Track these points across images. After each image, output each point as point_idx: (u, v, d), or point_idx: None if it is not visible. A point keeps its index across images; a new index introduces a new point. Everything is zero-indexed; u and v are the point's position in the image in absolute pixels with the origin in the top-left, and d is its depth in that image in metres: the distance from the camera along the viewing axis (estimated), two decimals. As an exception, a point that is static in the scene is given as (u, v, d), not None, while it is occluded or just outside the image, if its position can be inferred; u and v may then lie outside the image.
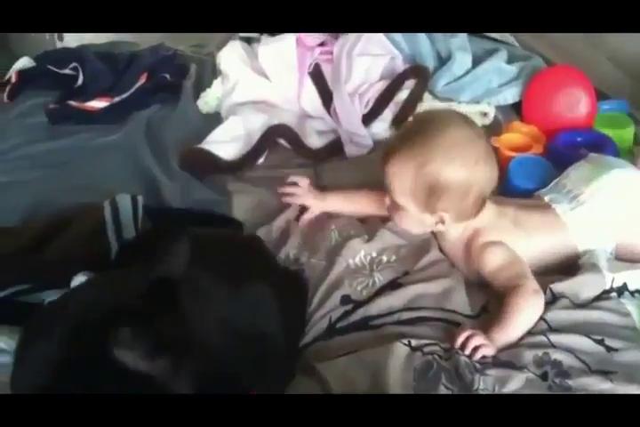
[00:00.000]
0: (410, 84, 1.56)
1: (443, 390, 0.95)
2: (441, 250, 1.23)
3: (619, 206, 1.23)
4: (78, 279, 1.08)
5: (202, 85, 1.73)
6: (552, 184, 1.31)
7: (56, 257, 1.13)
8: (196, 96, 1.70)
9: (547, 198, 1.26)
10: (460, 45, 1.64)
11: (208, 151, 1.47)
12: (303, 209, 1.30)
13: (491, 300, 1.14)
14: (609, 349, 1.02)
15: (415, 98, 1.54)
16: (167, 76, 1.76)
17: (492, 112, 1.61)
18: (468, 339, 1.02)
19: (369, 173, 1.39)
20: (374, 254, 1.21)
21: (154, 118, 1.65)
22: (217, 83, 1.66)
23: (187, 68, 1.81)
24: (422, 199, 1.13)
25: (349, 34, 1.62)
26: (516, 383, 0.96)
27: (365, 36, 1.61)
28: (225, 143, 1.49)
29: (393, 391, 0.95)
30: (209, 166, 1.47)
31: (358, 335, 1.08)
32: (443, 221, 1.16)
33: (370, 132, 1.55)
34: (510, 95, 1.61)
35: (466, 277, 1.19)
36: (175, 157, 1.49)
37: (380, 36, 1.63)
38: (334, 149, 1.53)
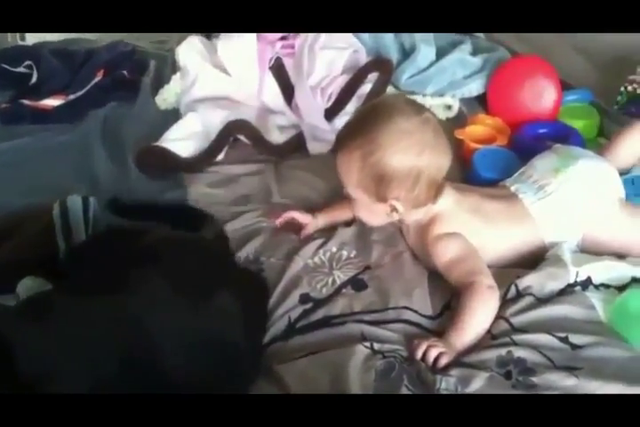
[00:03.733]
0: (373, 77, 1.52)
1: (404, 392, 0.92)
2: (406, 242, 1.21)
3: (585, 197, 1.21)
4: (24, 283, 1.04)
5: (161, 82, 1.68)
6: (517, 174, 1.28)
7: (3, 260, 1.08)
8: (155, 93, 1.66)
9: (512, 188, 1.24)
10: (423, 37, 1.62)
11: (165, 149, 1.43)
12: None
13: (454, 295, 1.11)
14: (573, 346, 0.99)
15: (378, 91, 1.51)
16: (125, 72, 1.72)
17: (456, 105, 1.59)
18: (427, 350, 0.99)
19: (331, 169, 1.36)
20: (334, 250, 1.19)
21: (111, 116, 1.60)
22: (176, 78, 1.62)
23: (146, 65, 1.77)
24: (372, 189, 1.10)
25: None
26: (478, 382, 0.93)
27: (328, 29, 1.57)
28: (182, 140, 1.45)
29: (353, 392, 0.92)
30: (166, 165, 1.43)
31: (318, 335, 1.05)
32: (396, 210, 1.13)
33: (333, 126, 1.51)
34: (475, 87, 1.59)
35: (429, 268, 1.16)
36: (132, 157, 1.45)
37: (343, 29, 1.59)
38: (296, 144, 1.49)
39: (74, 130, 1.56)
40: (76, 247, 1.06)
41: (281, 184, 1.38)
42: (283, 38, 1.61)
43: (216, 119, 1.47)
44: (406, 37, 1.63)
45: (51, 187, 1.35)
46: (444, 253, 1.12)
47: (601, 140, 1.48)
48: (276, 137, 1.49)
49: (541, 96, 1.50)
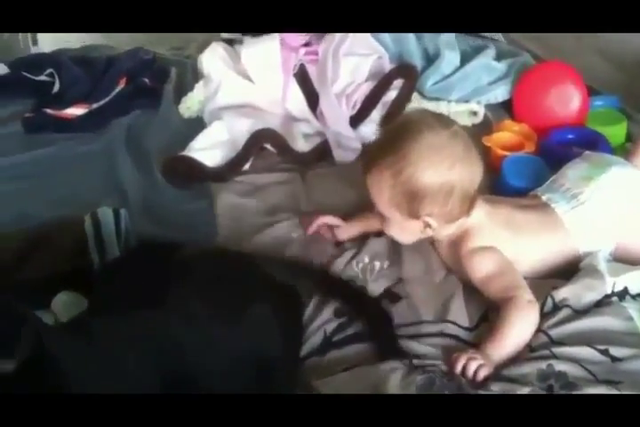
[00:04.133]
0: (398, 83, 1.51)
1: (446, 408, 0.91)
2: (438, 254, 1.20)
3: (619, 206, 1.20)
4: (59, 298, 1.04)
5: (183, 89, 1.68)
6: (548, 183, 1.27)
7: (36, 275, 1.08)
8: (178, 101, 1.65)
9: (544, 198, 1.23)
10: (447, 43, 1.60)
11: (191, 158, 1.42)
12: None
13: (490, 307, 1.11)
14: (614, 359, 0.98)
15: (403, 98, 1.50)
16: (147, 80, 1.71)
17: (481, 111, 1.57)
18: (466, 363, 0.99)
19: (357, 177, 1.35)
20: (366, 260, 1.18)
21: (134, 125, 1.60)
22: (199, 86, 1.61)
23: (167, 72, 1.76)
24: (404, 207, 1.10)
25: (335, 33, 1.58)
26: (520, 398, 0.93)
27: (351, 35, 1.56)
28: (209, 150, 1.45)
29: (394, 409, 0.91)
30: (193, 175, 1.42)
31: (355, 349, 1.05)
32: (429, 226, 1.12)
33: (358, 134, 1.50)
34: (500, 93, 1.57)
35: (463, 281, 1.16)
36: (157, 166, 1.44)
37: (367, 35, 1.58)
38: (322, 152, 1.48)
39: (98, 139, 1.56)
40: (110, 263, 1.06)
41: (309, 193, 1.38)
42: (306, 45, 1.60)
43: (242, 128, 1.46)
44: (429, 43, 1.62)
45: (78, 198, 1.36)
46: (480, 269, 1.11)
47: (628, 146, 1.46)
48: (302, 145, 1.49)
49: (568, 102, 1.49)
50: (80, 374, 0.73)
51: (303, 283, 1.09)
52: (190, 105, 1.62)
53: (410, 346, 1.04)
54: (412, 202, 1.09)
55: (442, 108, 1.56)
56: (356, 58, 1.54)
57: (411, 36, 1.61)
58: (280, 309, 1.00)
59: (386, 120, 1.51)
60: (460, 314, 1.10)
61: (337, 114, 1.50)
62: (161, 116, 1.61)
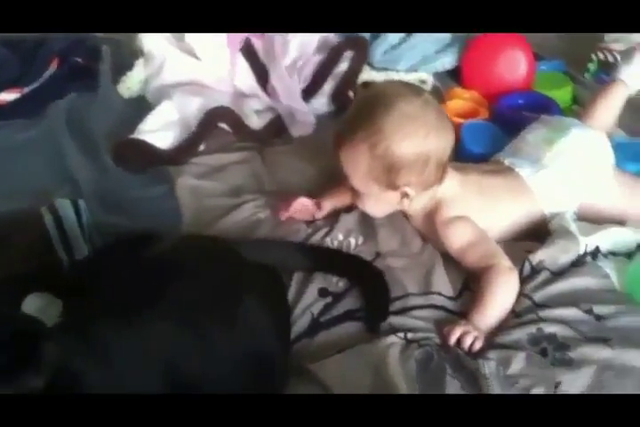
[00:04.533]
0: (347, 55, 1.48)
1: (449, 380, 0.92)
2: (412, 225, 1.20)
3: (581, 167, 1.22)
4: (32, 301, 0.97)
5: (120, 68, 1.58)
6: (507, 148, 1.29)
7: (1, 277, 1.00)
8: (115, 80, 1.56)
9: (507, 162, 1.24)
10: (393, 12, 1.58)
11: (143, 141, 1.35)
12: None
13: (470, 275, 1.11)
14: (598, 317, 1.01)
15: (355, 70, 1.48)
16: (79, 60, 1.61)
17: (430, 79, 1.57)
18: (461, 336, 0.99)
19: (317, 152, 1.33)
20: (341, 238, 1.16)
21: (73, 108, 1.50)
22: (139, 65, 1.53)
23: (99, 51, 1.65)
24: (382, 179, 1.08)
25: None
26: (518, 363, 0.94)
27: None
28: (160, 131, 1.38)
29: (397, 385, 0.91)
30: (147, 158, 1.36)
31: (345, 329, 1.03)
32: (407, 196, 1.12)
33: (310, 107, 1.47)
34: (447, 61, 1.57)
35: (440, 251, 1.16)
36: (106, 151, 1.37)
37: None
38: (277, 128, 1.45)
39: (35, 125, 1.46)
40: (85, 261, 0.99)
41: (270, 172, 1.34)
42: (249, 18, 1.54)
43: (192, 106, 1.40)
44: (376, 12, 1.59)
45: (26, 190, 1.27)
46: (456, 239, 1.12)
47: (575, 108, 1.50)
48: (255, 122, 1.44)
49: (516, 67, 1.50)
50: (102, 387, 0.69)
51: (298, 261, 1.05)
52: (130, 85, 1.54)
53: (400, 321, 1.03)
54: (390, 173, 1.07)
55: (391, 77, 1.55)
56: (301, 34, 1.50)
57: (356, 6, 1.57)
58: (267, 296, 0.97)
59: (338, 93, 1.49)
60: (442, 284, 1.10)
61: (289, 88, 1.46)
62: (101, 98, 1.53)
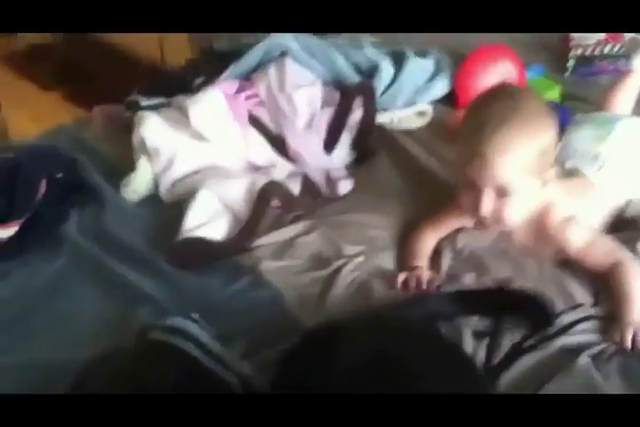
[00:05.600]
0: (358, 102, 1.46)
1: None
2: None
3: (636, 156, 1.27)
4: None
5: (111, 173, 1.46)
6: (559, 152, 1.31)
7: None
8: (113, 186, 1.43)
9: (568, 165, 1.26)
10: (376, 53, 1.59)
11: (201, 238, 1.24)
12: None
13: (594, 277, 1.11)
14: None
15: (371, 114, 1.45)
16: (62, 175, 1.46)
17: (429, 109, 1.58)
18: (634, 335, 0.99)
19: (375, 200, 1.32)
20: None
21: (86, 226, 1.35)
22: (143, 164, 1.41)
23: (76, 161, 1.52)
24: (535, 167, 1.07)
25: (267, 71, 1.48)
26: None
27: (286, 69, 1.47)
28: (210, 223, 1.28)
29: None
30: (207, 255, 1.24)
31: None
32: (547, 181, 1.10)
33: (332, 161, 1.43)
34: (440, 87, 1.59)
35: (551, 259, 1.14)
36: (158, 256, 1.24)
37: (296, 66, 1.51)
38: (313, 191, 1.39)
39: (55, 255, 1.29)
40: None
41: (341, 235, 1.26)
42: (239, 90, 1.48)
43: (233, 189, 1.31)
44: (357, 57, 1.58)
45: (99, 325, 1.13)
46: (578, 238, 1.11)
47: (574, 104, 1.56)
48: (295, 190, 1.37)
49: (508, 78, 1.55)
50: None
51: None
52: (136, 187, 1.42)
53: (570, 340, 1.01)
54: (542, 159, 1.07)
55: (395, 116, 1.54)
56: (305, 89, 1.46)
57: (336, 56, 1.56)
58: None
59: (357, 142, 1.46)
60: (580, 294, 1.09)
61: (312, 148, 1.41)
62: (109, 208, 1.39)
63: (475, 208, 1.09)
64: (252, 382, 0.90)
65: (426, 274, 1.13)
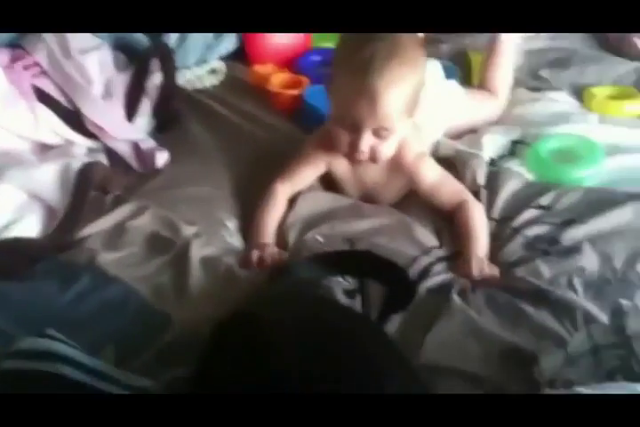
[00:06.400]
0: (155, 64, 1.35)
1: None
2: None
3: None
4: None
5: None
6: None
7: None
8: None
9: None
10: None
11: (14, 240, 1.09)
12: None
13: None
14: (548, 207, 1.18)
15: (171, 76, 1.36)
16: None
17: (223, 66, 1.53)
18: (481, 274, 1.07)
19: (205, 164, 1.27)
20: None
21: None
22: None
23: None
24: (411, 104, 1.08)
25: (44, 36, 1.30)
26: (545, 268, 1.06)
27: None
28: (18, 222, 1.13)
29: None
30: (23, 256, 1.10)
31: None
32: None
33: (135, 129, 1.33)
34: (229, 41, 1.54)
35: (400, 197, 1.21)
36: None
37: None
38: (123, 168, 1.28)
39: None
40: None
41: (175, 213, 1.18)
42: (14, 60, 1.28)
43: (42, 178, 1.16)
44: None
45: None
46: (430, 174, 1.17)
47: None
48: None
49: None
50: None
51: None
52: None
53: (429, 283, 1.06)
54: (416, 96, 1.08)
55: (189, 75, 1.47)
56: (94, 53, 1.31)
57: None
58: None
59: (160, 108, 1.37)
60: (427, 238, 1.15)
61: (115, 119, 1.29)
62: None
63: (353, 148, 1.09)
64: (145, 388, 0.84)
65: (275, 251, 1.12)
